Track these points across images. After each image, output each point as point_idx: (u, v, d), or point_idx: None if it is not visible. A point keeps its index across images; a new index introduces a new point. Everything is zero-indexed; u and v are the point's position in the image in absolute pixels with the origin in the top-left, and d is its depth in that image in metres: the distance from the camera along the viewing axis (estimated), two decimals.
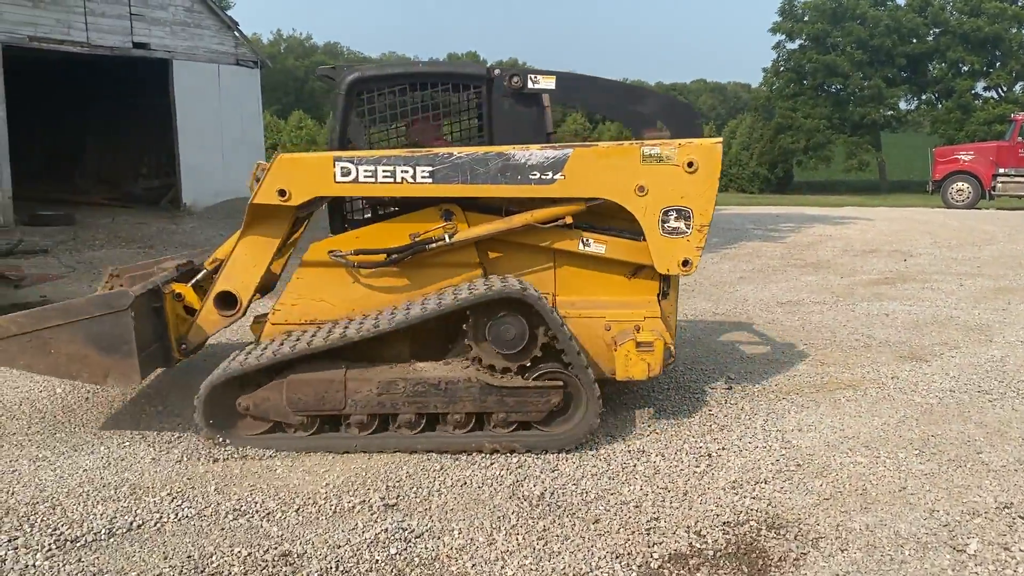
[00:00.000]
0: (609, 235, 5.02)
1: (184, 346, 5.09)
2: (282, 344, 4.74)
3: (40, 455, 4.65)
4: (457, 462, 4.51)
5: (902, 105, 43.45)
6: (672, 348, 5.01)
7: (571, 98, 5.60)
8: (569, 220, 4.94)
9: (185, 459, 4.57)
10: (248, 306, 5.08)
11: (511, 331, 4.64)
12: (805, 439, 4.88)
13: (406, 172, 4.75)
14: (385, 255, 4.89)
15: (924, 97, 42.97)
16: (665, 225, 4.84)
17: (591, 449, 4.72)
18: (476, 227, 4.93)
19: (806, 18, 41.46)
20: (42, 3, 15.99)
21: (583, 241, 5.04)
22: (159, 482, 4.26)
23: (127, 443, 4.83)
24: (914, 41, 40.22)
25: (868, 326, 7.86)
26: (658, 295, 5.14)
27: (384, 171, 4.76)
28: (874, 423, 5.15)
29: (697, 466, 4.49)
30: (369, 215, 5.23)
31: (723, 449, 4.73)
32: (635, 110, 5.53)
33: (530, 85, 5.10)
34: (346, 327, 4.74)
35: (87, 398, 5.69)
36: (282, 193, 4.79)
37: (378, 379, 4.63)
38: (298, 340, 4.74)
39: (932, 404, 5.51)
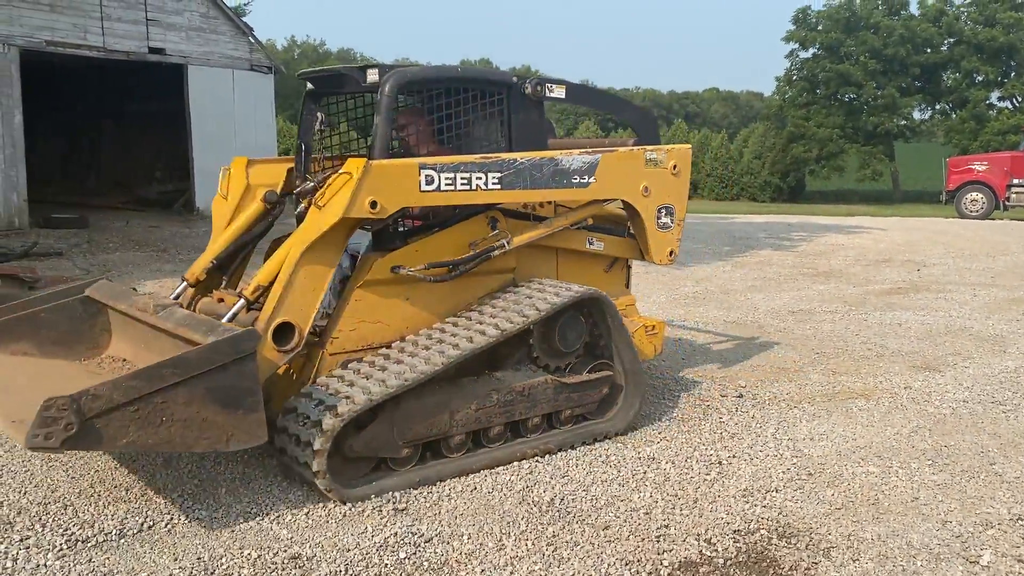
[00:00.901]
0: (604, 234, 5.61)
1: None
2: (386, 374, 4.24)
3: (52, 455, 4.67)
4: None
5: (916, 115, 43.26)
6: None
7: (575, 106, 6.12)
8: (590, 221, 5.48)
9: (196, 461, 4.59)
10: (306, 338, 4.37)
11: (574, 331, 4.96)
12: (816, 448, 4.86)
13: (480, 179, 4.68)
14: (450, 267, 4.72)
15: (938, 107, 42.75)
16: (659, 221, 5.47)
17: (601, 455, 4.71)
18: (528, 232, 5.10)
19: (820, 27, 41.32)
20: (59, 8, 16.12)
21: (589, 240, 5.55)
22: (170, 484, 4.28)
23: None
24: (928, 51, 40.02)
25: (881, 335, 7.82)
26: (624, 285, 5.85)
27: (462, 178, 4.62)
28: (886, 433, 5.12)
29: (707, 474, 4.47)
30: (404, 227, 4.89)
31: (734, 457, 4.71)
32: (619, 116, 6.45)
33: (547, 93, 5.25)
34: (454, 344, 4.45)
35: None
36: (374, 205, 4.32)
37: (476, 394, 4.54)
38: (400, 367, 4.30)
39: (945, 414, 5.48)
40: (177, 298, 4.83)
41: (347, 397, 4.07)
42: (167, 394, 3.47)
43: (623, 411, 5.09)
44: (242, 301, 4.43)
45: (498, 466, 4.57)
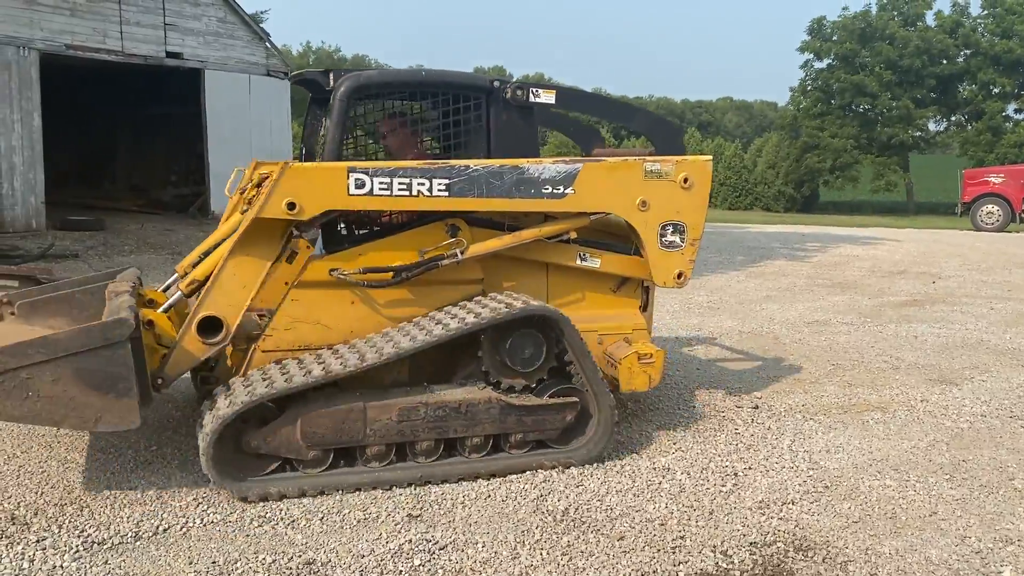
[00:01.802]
0: (602, 250, 5.14)
1: (160, 380, 4.38)
2: (292, 372, 4.29)
3: (69, 457, 4.70)
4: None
5: (931, 126, 43.12)
6: (662, 359, 5.14)
7: (568, 112, 5.63)
8: (573, 235, 4.98)
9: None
10: (233, 332, 4.49)
11: (529, 348, 4.57)
12: (833, 460, 4.83)
13: (422, 185, 4.48)
14: (392, 273, 4.62)
15: (953, 118, 42.60)
16: (663, 239, 4.96)
17: (616, 465, 4.69)
18: (487, 243, 4.77)
19: (835, 37, 41.27)
20: (80, 12, 16.28)
21: (580, 255, 5.10)
22: (185, 487, 4.29)
23: (154, 447, 4.87)
24: (944, 62, 39.89)
25: (897, 348, 7.77)
26: (640, 308, 5.27)
27: (400, 184, 4.46)
28: (903, 446, 5.08)
29: (723, 485, 4.44)
30: (364, 231, 4.90)
31: (749, 469, 4.68)
32: (625, 125, 5.75)
33: (532, 99, 5.03)
34: (371, 349, 4.40)
35: None
36: (292, 206, 4.33)
37: (399, 406, 4.35)
38: (310, 366, 4.31)
39: (963, 428, 5.43)
40: (166, 289, 5.12)
41: (242, 392, 4.15)
42: (33, 370, 3.73)
43: (587, 444, 4.68)
44: (178, 294, 4.69)
45: (427, 483, 4.35)
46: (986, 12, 39.93)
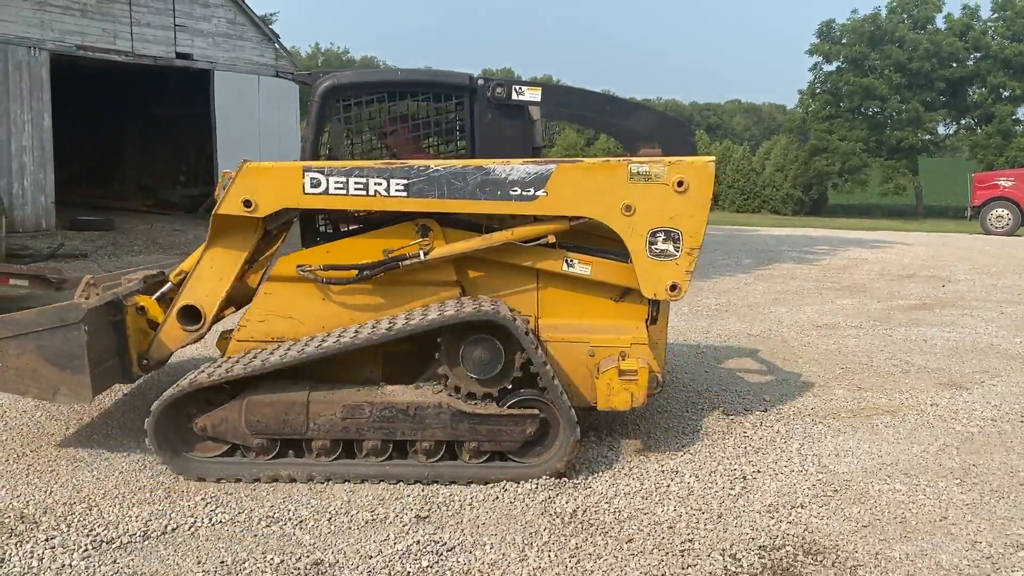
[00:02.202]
0: (595, 256, 4.75)
1: (145, 361, 4.80)
2: (238, 362, 4.46)
3: (78, 456, 4.71)
4: None
5: (940, 130, 42.95)
6: (660, 377, 4.78)
7: (559, 111, 5.20)
8: (552, 239, 4.69)
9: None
10: (213, 321, 4.81)
11: (485, 355, 4.41)
12: (842, 464, 4.80)
13: (379, 185, 4.49)
14: (356, 271, 4.63)
15: (963, 122, 42.42)
16: (653, 247, 4.56)
17: (624, 468, 4.67)
18: (453, 244, 4.67)
19: (844, 40, 41.14)
20: (90, 13, 16.35)
21: (567, 261, 4.74)
22: (193, 486, 4.29)
23: None
24: (954, 65, 39.73)
25: (906, 351, 7.74)
26: (646, 320, 4.85)
27: (356, 183, 4.50)
28: (913, 450, 5.06)
29: (732, 488, 4.43)
30: (345, 229, 4.97)
31: (758, 472, 4.67)
32: (625, 125, 5.28)
33: (514, 96, 4.86)
34: (306, 345, 4.48)
35: (125, 401, 5.75)
36: (247, 204, 4.54)
37: (343, 402, 4.37)
38: (255, 358, 4.47)
39: (973, 433, 5.41)
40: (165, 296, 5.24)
41: (188, 378, 4.41)
42: (15, 341, 4.27)
43: (546, 460, 4.46)
44: (170, 284, 5.13)
45: (381, 481, 4.35)
46: (996, 15, 39.75)
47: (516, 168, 4.50)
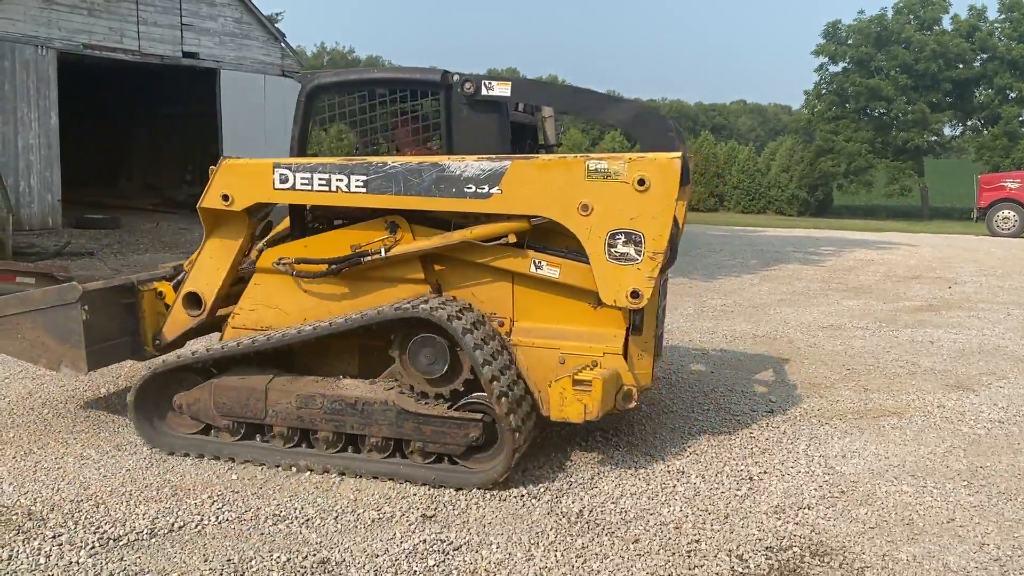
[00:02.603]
0: (564, 258, 4.48)
1: (158, 342, 5.14)
2: (208, 350, 4.76)
3: (85, 453, 4.72)
4: None
5: (946, 131, 42.79)
6: (635, 391, 4.48)
7: (529, 106, 5.09)
8: (512, 239, 4.51)
9: (225, 463, 4.61)
10: (212, 307, 5.01)
11: (430, 354, 4.37)
12: (849, 465, 4.80)
13: (341, 181, 4.56)
14: (326, 266, 4.72)
15: (969, 123, 42.26)
16: (612, 250, 4.26)
17: (630, 468, 4.67)
18: (414, 242, 4.63)
19: (850, 41, 40.98)
20: (97, 12, 16.38)
21: (535, 263, 4.52)
22: (200, 484, 4.30)
23: None
24: (960, 66, 39.55)
25: (912, 353, 7.72)
26: (628, 329, 4.55)
27: (320, 179, 4.59)
28: (920, 452, 5.04)
29: (738, 489, 4.42)
30: (339, 223, 4.99)
31: (765, 473, 4.66)
32: (600, 118, 5.15)
33: (484, 92, 4.76)
34: (254, 340, 4.67)
35: None
36: (225, 198, 4.76)
37: (298, 392, 4.51)
38: (222, 345, 4.77)
39: (980, 435, 5.39)
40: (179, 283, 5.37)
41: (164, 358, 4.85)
42: (17, 318, 4.86)
43: (486, 468, 4.34)
44: (184, 272, 5.21)
45: (326, 471, 4.45)
46: (1003, 16, 39.59)
47: (471, 165, 4.39)
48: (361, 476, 4.42)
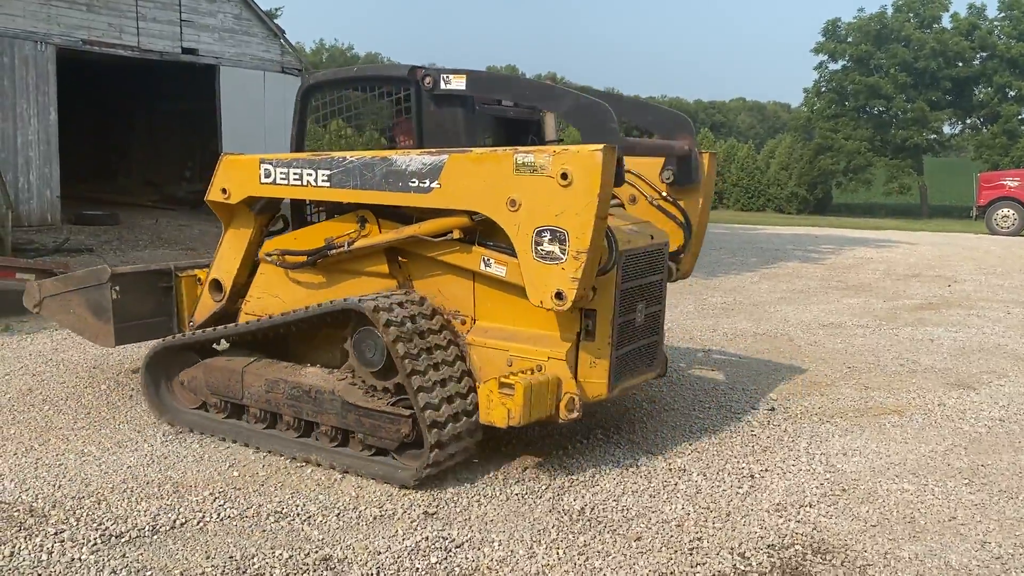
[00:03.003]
0: (512, 256, 4.23)
1: (191, 322, 5.58)
2: (195, 333, 5.23)
3: (86, 450, 4.71)
4: (496, 472, 4.49)
5: (946, 129, 42.78)
6: (578, 401, 4.26)
7: (485, 98, 5.08)
8: (456, 234, 4.42)
9: (227, 459, 4.61)
10: (231, 292, 5.34)
11: (371, 347, 4.36)
12: (850, 464, 4.80)
13: (310, 176, 4.75)
14: (305, 257, 4.95)
15: (969, 121, 42.26)
16: (539, 248, 4.04)
17: (631, 466, 4.67)
18: (374, 236, 4.72)
19: (849, 39, 40.98)
20: (96, 7, 16.34)
21: (484, 260, 4.38)
22: (201, 481, 4.30)
23: (170, 441, 4.88)
24: (960, 65, 39.55)
25: (913, 351, 7.72)
26: (579, 333, 4.35)
27: (294, 174, 4.81)
28: (921, 450, 5.05)
29: (740, 487, 4.42)
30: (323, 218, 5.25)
31: (766, 471, 4.66)
32: (550, 110, 5.12)
33: (443, 86, 4.74)
34: (227, 327, 5.15)
35: (131, 395, 5.76)
36: (224, 192, 5.11)
37: (266, 376, 4.78)
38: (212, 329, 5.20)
39: (981, 433, 5.39)
40: None
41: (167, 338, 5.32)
42: (68, 295, 5.57)
43: (410, 467, 4.29)
44: None
45: (280, 455, 4.64)
46: (1003, 15, 39.58)
47: (414, 159, 4.36)
48: (314, 464, 4.52)
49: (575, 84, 5.44)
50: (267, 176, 4.91)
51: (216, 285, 5.40)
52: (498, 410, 4.11)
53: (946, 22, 40.45)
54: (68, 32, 16.00)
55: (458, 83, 4.72)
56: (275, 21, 20.97)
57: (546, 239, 4.01)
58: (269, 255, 5.10)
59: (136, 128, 23.66)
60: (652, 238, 4.81)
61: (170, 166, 22.78)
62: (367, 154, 4.56)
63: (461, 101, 4.84)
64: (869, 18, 40.62)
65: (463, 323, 4.60)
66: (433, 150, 4.40)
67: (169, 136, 22.75)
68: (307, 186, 4.77)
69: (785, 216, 35.39)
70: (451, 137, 4.78)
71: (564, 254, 3.97)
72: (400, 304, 4.42)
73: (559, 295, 4.01)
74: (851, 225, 26.97)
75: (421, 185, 4.34)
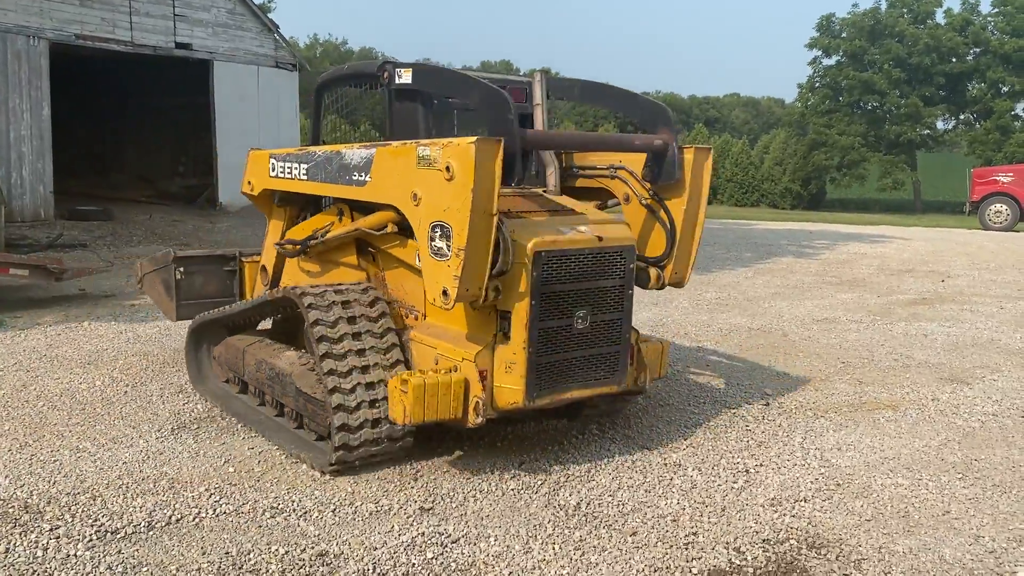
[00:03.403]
0: None
1: None
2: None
3: (81, 446, 4.70)
4: (492, 467, 4.50)
5: (939, 125, 42.88)
6: (482, 405, 4.12)
7: (428, 91, 4.99)
8: (391, 228, 4.44)
9: (223, 455, 4.60)
10: (274, 278, 5.72)
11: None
12: (844, 458, 4.81)
13: (296, 169, 5.00)
14: (297, 246, 5.19)
15: (962, 117, 42.37)
16: (432, 243, 3.95)
17: (627, 461, 4.68)
18: (337, 228, 4.94)
19: (844, 34, 41.05)
20: (89, 2, 16.27)
21: (417, 255, 4.21)
22: (197, 477, 4.29)
23: (165, 437, 4.87)
24: (953, 60, 39.66)
25: (907, 346, 7.75)
26: (495, 335, 4.20)
27: (289, 168, 5.08)
28: (915, 445, 5.07)
29: (735, 482, 4.44)
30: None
31: (761, 466, 4.67)
32: (467, 101, 4.87)
33: (396, 80, 4.71)
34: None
35: (126, 391, 5.75)
36: (248, 184, 5.55)
37: (255, 357, 5.05)
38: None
39: (974, 428, 5.42)
40: None
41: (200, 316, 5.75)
42: (152, 274, 6.17)
43: (324, 457, 4.37)
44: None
45: (260, 436, 4.85)
46: (996, 10, 39.66)
47: (355, 153, 4.44)
48: (276, 447, 4.69)
49: (570, 79, 5.32)
50: (273, 170, 5.23)
51: (264, 270, 5.81)
52: (397, 406, 4.09)
53: (940, 18, 40.56)
54: (61, 26, 15.93)
55: (406, 77, 4.71)
56: (269, 16, 20.91)
57: (437, 235, 3.94)
58: (277, 244, 5.40)
59: (129, 123, 23.57)
60: (600, 240, 4.35)
61: (164, 161, 22.71)
62: (330, 148, 4.72)
63: (420, 95, 4.79)
64: (863, 13, 40.70)
65: (416, 318, 4.58)
66: (368, 143, 4.49)
67: (163, 131, 22.66)
68: (296, 179, 5.04)
69: (779, 212, 35.45)
70: (411, 131, 4.73)
71: (449, 251, 3.88)
72: (337, 292, 4.51)
73: (445, 293, 3.94)
74: (845, 220, 27.04)
75: (359, 178, 4.44)
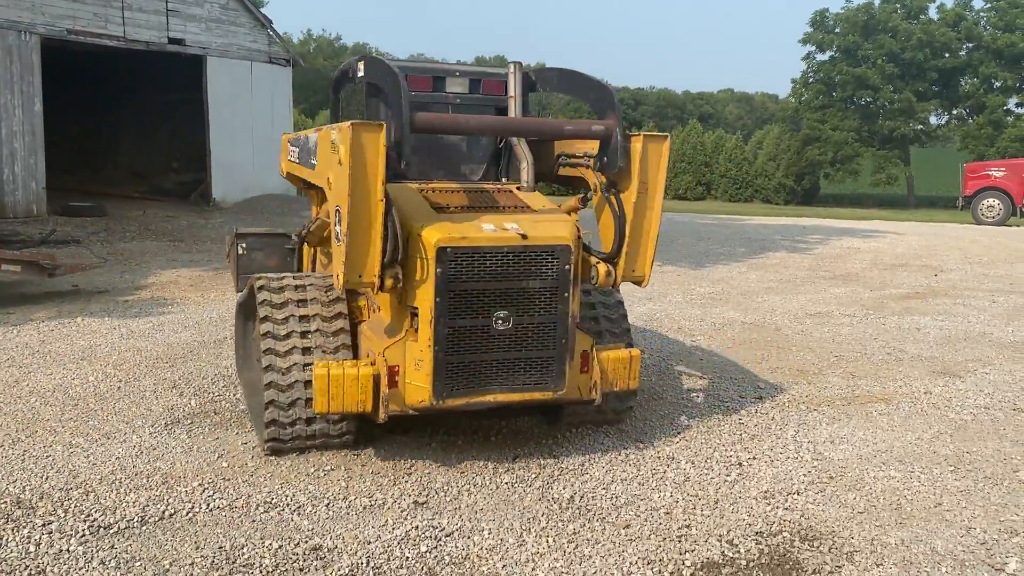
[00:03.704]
0: None
1: None
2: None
3: (73, 442, 4.69)
4: (486, 461, 4.50)
5: (932, 120, 42.94)
6: (387, 399, 4.06)
7: (376, 83, 5.01)
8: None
9: (216, 450, 4.60)
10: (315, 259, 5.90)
11: None
12: (837, 451, 4.83)
13: (294, 153, 5.21)
14: (298, 236, 5.41)
15: (955, 112, 42.45)
16: (337, 228, 3.94)
17: (620, 454, 4.69)
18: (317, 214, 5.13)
19: (837, 30, 41.05)
20: None
21: None
22: (190, 472, 4.29)
23: (159, 432, 4.86)
24: (946, 56, 39.70)
25: (899, 340, 7.77)
26: (406, 331, 4.13)
27: (292, 151, 5.26)
28: (907, 438, 5.09)
29: (728, 475, 4.45)
30: None
31: (754, 459, 4.69)
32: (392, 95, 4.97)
33: (359, 75, 4.88)
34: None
35: (119, 387, 5.73)
36: (281, 167, 5.69)
37: (254, 335, 4.95)
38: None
39: (966, 420, 5.44)
40: None
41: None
42: (231, 249, 6.24)
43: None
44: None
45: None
46: (989, 6, 39.71)
47: (311, 137, 4.66)
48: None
49: (549, 68, 5.11)
50: (290, 155, 5.40)
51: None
52: (315, 396, 4.09)
53: (933, 13, 40.60)
54: (53, 22, 15.85)
55: (361, 70, 4.91)
56: (262, 11, 20.83)
57: (336, 219, 3.95)
58: (296, 230, 5.54)
59: (123, 119, 23.45)
60: (524, 238, 4.11)
61: (157, 157, 22.61)
62: (311, 132, 4.81)
63: (376, 87, 4.87)
64: (856, 9, 40.71)
65: (375, 311, 4.58)
66: (322, 127, 4.50)
67: (156, 127, 22.56)
68: (295, 163, 5.24)
69: (773, 207, 35.49)
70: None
71: (340, 237, 3.87)
72: (296, 279, 4.68)
73: (337, 277, 3.96)
74: (838, 215, 27.08)
75: (311, 162, 4.57)
